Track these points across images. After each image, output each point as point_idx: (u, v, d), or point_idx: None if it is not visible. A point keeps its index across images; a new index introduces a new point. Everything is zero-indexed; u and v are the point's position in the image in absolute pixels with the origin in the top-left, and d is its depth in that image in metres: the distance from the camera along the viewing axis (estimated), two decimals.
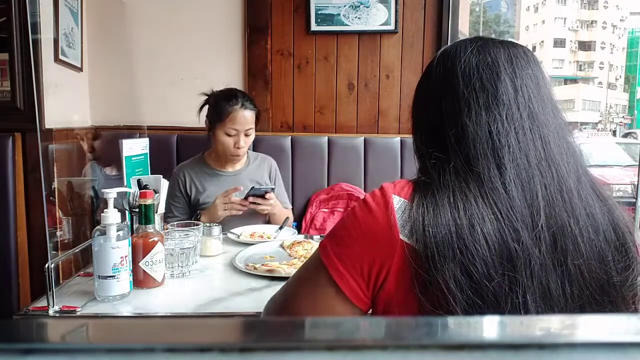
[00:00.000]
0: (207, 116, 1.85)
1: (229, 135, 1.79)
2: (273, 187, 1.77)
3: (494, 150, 0.65)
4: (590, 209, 0.65)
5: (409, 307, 0.63)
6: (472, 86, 0.68)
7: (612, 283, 0.64)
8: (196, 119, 1.92)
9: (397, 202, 0.65)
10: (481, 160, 0.65)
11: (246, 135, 1.80)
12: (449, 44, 0.76)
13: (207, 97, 1.87)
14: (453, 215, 0.62)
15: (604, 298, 0.64)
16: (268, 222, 1.86)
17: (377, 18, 2.34)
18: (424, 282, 0.61)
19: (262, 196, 1.72)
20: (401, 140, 2.32)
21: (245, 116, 1.78)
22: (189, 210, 1.87)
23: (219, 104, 1.79)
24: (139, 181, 1.32)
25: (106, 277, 1.07)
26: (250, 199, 1.70)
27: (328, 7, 2.33)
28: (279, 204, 1.85)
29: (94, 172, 2.15)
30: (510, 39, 0.77)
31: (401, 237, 0.62)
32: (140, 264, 1.14)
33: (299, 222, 2.25)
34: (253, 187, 1.71)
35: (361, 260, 0.64)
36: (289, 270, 1.26)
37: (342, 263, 0.65)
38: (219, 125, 1.78)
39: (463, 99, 0.68)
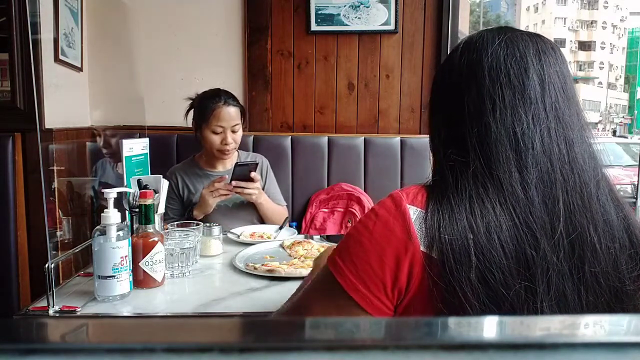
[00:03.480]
0: (193, 118, 1.89)
1: (216, 133, 1.81)
2: (256, 162, 1.81)
3: (517, 152, 0.62)
4: (607, 215, 0.64)
5: (427, 315, 0.62)
6: (499, 82, 0.65)
7: (625, 291, 0.63)
8: None
9: (414, 213, 0.62)
10: (502, 163, 0.62)
11: (233, 131, 1.83)
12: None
13: (191, 100, 1.90)
14: (469, 222, 0.60)
15: (617, 306, 0.63)
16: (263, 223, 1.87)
17: (377, 18, 2.34)
18: (441, 292, 0.59)
19: (247, 177, 1.73)
20: (401, 140, 2.31)
21: (230, 112, 1.81)
22: (183, 211, 1.89)
23: (203, 104, 1.83)
24: (139, 181, 1.32)
25: (106, 277, 1.07)
26: (234, 182, 1.72)
27: (328, 7, 2.33)
28: (269, 200, 1.87)
29: (105, 169, 2.14)
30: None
31: (422, 248, 0.61)
32: (140, 264, 1.14)
33: (299, 222, 2.25)
34: (237, 163, 1.74)
35: (383, 277, 0.61)
36: (289, 270, 1.26)
37: (362, 283, 0.61)
38: (204, 124, 1.82)
39: (488, 95, 0.65)
